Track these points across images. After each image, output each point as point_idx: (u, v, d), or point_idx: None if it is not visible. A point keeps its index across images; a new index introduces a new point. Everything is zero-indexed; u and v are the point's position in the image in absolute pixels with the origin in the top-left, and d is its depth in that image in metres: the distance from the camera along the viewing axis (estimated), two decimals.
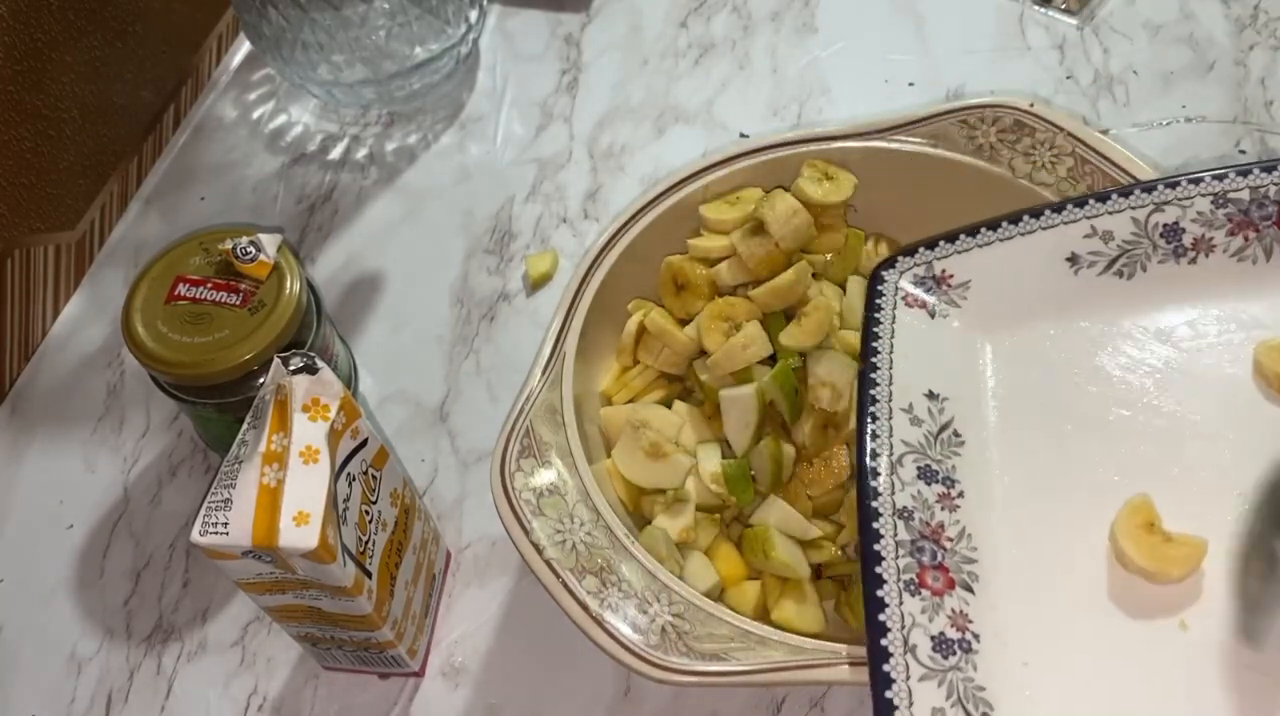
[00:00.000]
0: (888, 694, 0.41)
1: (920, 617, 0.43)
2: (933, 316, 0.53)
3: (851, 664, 0.45)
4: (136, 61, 0.76)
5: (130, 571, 0.61)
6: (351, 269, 0.72)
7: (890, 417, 0.48)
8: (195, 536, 0.43)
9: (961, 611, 0.44)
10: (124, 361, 0.69)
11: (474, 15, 0.76)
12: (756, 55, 0.80)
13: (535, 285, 0.70)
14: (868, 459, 0.47)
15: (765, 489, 0.55)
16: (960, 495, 0.47)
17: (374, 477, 0.49)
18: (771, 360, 0.56)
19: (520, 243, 0.72)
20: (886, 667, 0.42)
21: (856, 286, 0.59)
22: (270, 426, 0.44)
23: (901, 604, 0.43)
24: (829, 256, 0.59)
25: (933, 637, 0.43)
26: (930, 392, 0.50)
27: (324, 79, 0.74)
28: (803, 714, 0.53)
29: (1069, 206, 0.53)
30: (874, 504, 0.46)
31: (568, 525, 0.49)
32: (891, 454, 0.47)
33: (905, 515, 0.46)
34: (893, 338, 0.51)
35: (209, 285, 0.56)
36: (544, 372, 0.54)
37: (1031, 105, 0.59)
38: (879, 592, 0.43)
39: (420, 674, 0.56)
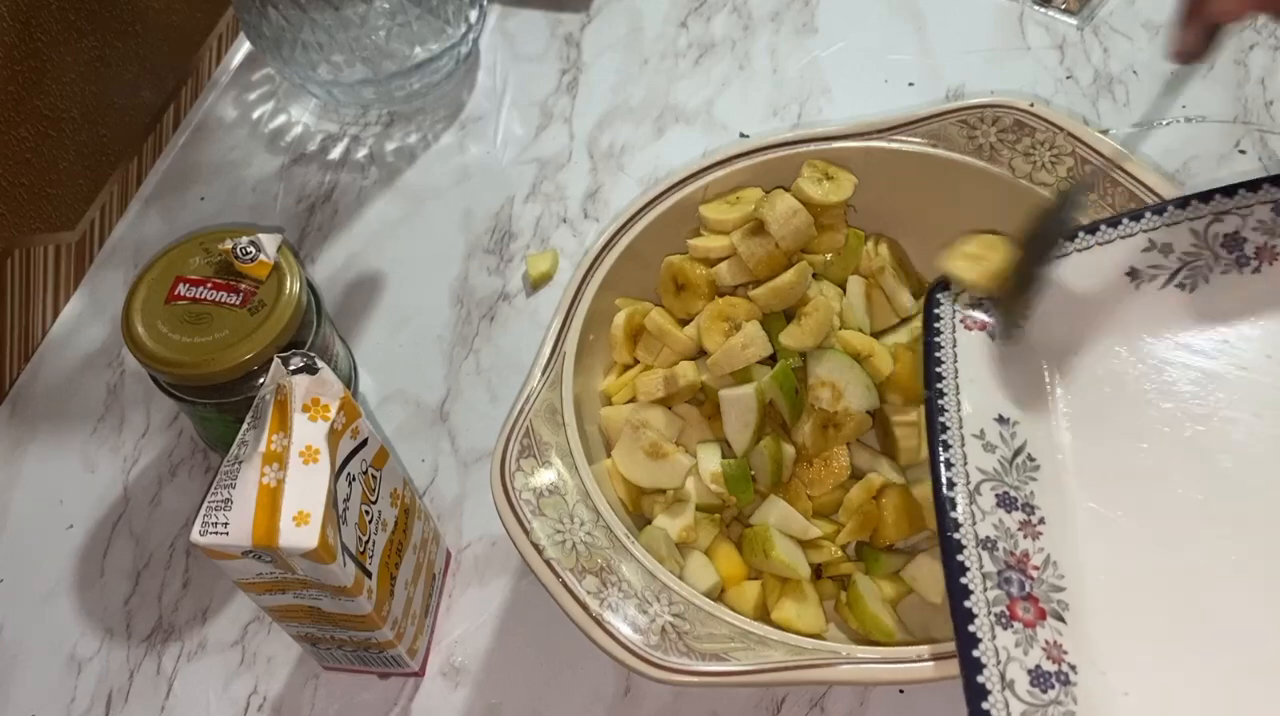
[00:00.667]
0: None
1: (1015, 651, 0.42)
2: (993, 338, 0.51)
3: (851, 663, 0.45)
4: (136, 61, 0.76)
5: (130, 571, 0.61)
6: (351, 269, 0.72)
7: (963, 445, 0.47)
8: (195, 536, 0.43)
9: (1055, 642, 0.42)
10: (124, 361, 0.69)
11: (474, 15, 0.76)
12: (756, 55, 0.80)
13: (535, 285, 0.70)
14: (945, 489, 0.45)
15: (765, 489, 0.55)
16: (1041, 521, 0.46)
17: (374, 477, 0.49)
18: (772, 360, 0.56)
19: (520, 243, 0.72)
20: (986, 705, 0.40)
21: (857, 286, 0.59)
22: (270, 426, 0.44)
23: (995, 638, 0.42)
24: (829, 256, 0.59)
25: (1029, 671, 0.41)
26: (1000, 417, 0.49)
27: (324, 79, 0.74)
28: (803, 714, 0.53)
29: (1124, 220, 0.52)
30: (956, 536, 0.44)
31: (568, 525, 0.49)
32: (968, 483, 0.46)
33: (989, 545, 0.44)
34: (956, 362, 0.50)
35: (209, 285, 0.56)
36: (544, 372, 0.54)
37: (1031, 105, 0.59)
38: (970, 628, 0.42)
39: (420, 674, 0.56)
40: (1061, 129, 0.58)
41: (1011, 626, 0.42)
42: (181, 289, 0.56)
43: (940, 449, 0.47)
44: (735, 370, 0.55)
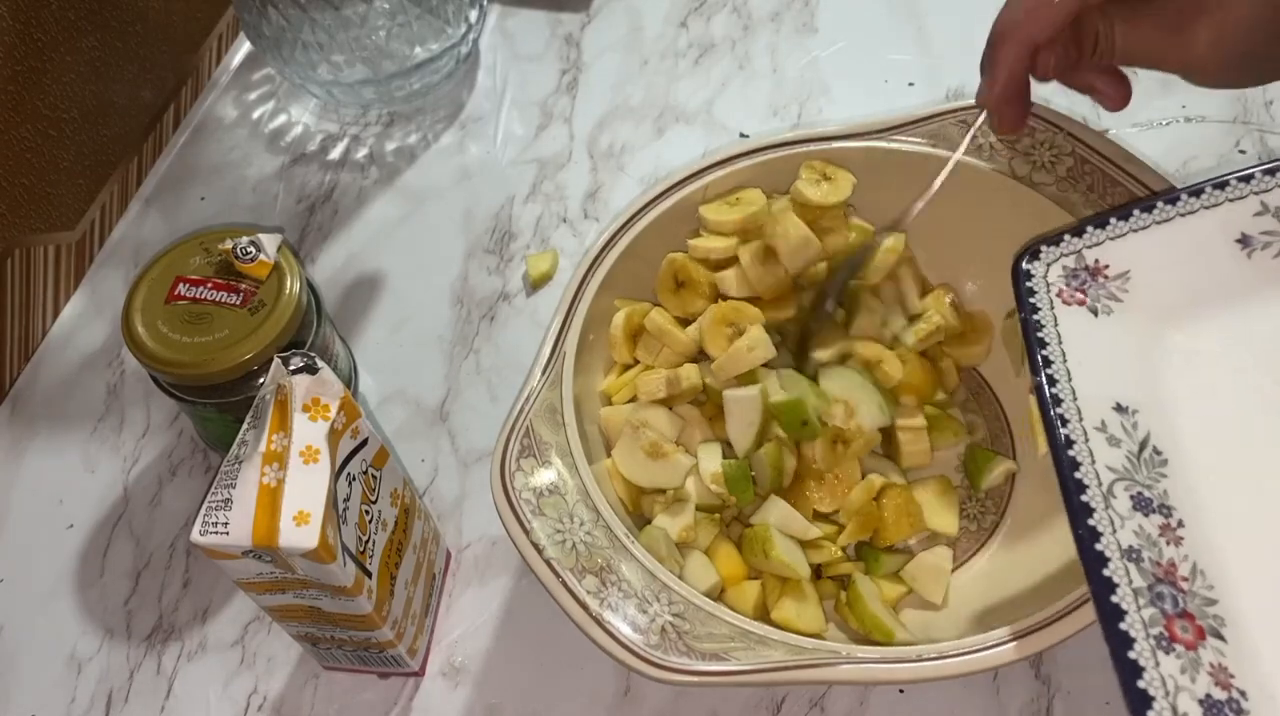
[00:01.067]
0: None
1: (1181, 679, 0.37)
2: (1095, 314, 0.46)
3: (851, 663, 0.45)
4: (136, 61, 0.76)
5: (130, 571, 0.61)
6: (351, 269, 0.72)
7: (1087, 440, 0.42)
8: (195, 536, 0.43)
9: (1220, 665, 0.38)
10: (124, 361, 0.69)
11: (474, 15, 0.76)
12: (756, 55, 0.80)
13: (535, 285, 0.70)
14: (1078, 494, 0.40)
15: (766, 490, 0.55)
16: (1180, 524, 0.41)
17: (374, 477, 0.49)
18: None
19: (520, 243, 0.72)
20: None
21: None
22: (270, 426, 0.44)
23: (1158, 665, 0.37)
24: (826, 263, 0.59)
25: (1201, 701, 0.36)
26: (1118, 405, 0.43)
27: (324, 79, 0.74)
28: (803, 714, 0.53)
29: (1233, 182, 0.47)
30: (1099, 547, 0.39)
31: (568, 525, 0.49)
32: (1100, 484, 0.41)
33: (1134, 556, 0.39)
34: (1060, 343, 0.45)
35: (209, 285, 0.56)
36: (544, 372, 0.54)
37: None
38: (1130, 655, 0.37)
39: (420, 673, 0.56)
40: (1061, 129, 0.58)
41: (1173, 650, 0.37)
42: (181, 289, 0.56)
43: (1064, 447, 0.41)
44: (739, 373, 0.55)
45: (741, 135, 0.76)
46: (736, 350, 0.55)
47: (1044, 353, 0.44)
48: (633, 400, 0.58)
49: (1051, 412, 0.43)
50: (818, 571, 0.54)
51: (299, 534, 0.43)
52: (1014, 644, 0.45)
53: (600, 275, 0.57)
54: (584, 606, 0.46)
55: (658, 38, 0.82)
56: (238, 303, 0.56)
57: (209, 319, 0.55)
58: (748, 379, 0.55)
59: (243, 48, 0.85)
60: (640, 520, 0.55)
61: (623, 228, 0.59)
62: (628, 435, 0.55)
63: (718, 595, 0.53)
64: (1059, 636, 0.45)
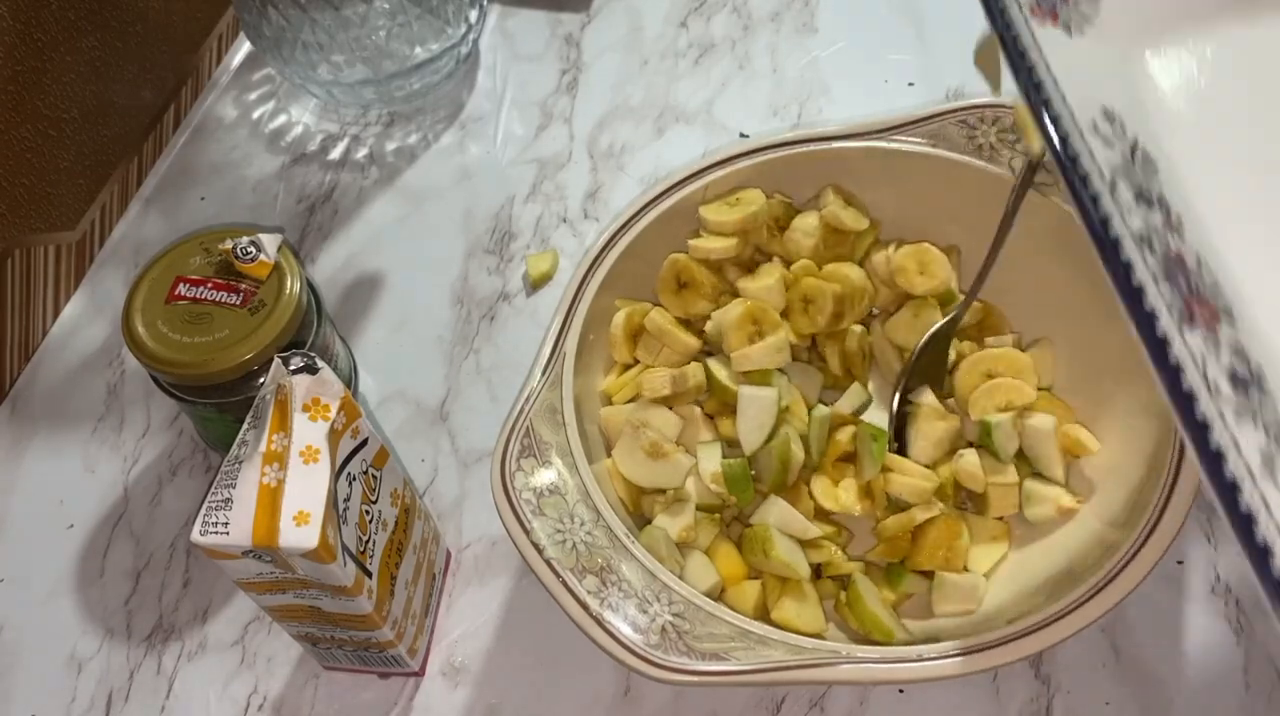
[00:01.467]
0: (1211, 441, 0.35)
1: (1207, 352, 0.37)
2: (1069, 34, 0.44)
3: (851, 663, 0.45)
4: (136, 61, 0.76)
5: (130, 571, 0.61)
6: (351, 269, 0.72)
7: (1083, 138, 0.41)
8: (195, 536, 0.43)
9: (1237, 344, 0.38)
10: (124, 361, 0.69)
11: (474, 15, 0.76)
12: (756, 55, 0.80)
13: (535, 285, 0.70)
14: (1082, 185, 0.39)
15: (768, 489, 0.55)
16: (1180, 222, 0.40)
17: (374, 477, 0.49)
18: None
19: (520, 243, 0.72)
20: (1199, 415, 0.35)
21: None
22: (270, 426, 0.44)
23: (1185, 340, 0.37)
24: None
25: (1226, 373, 0.36)
26: (1105, 110, 0.42)
27: (324, 79, 0.74)
28: (803, 714, 0.53)
29: None
30: (1113, 232, 0.39)
31: (568, 525, 0.49)
32: (1103, 177, 0.40)
33: (1144, 241, 0.39)
34: (1043, 56, 0.43)
35: (209, 285, 0.56)
36: (544, 372, 0.54)
37: None
38: (1158, 329, 0.37)
39: (420, 673, 0.56)
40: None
41: (1195, 328, 0.37)
42: (182, 289, 0.56)
43: (1063, 142, 0.40)
44: (758, 370, 0.55)
45: (741, 135, 0.76)
46: (766, 346, 0.55)
47: (1027, 64, 0.43)
48: (633, 400, 0.58)
49: (1044, 113, 0.41)
50: (818, 571, 0.54)
51: (299, 534, 0.43)
52: (1014, 644, 0.45)
53: (600, 275, 0.57)
54: (584, 606, 0.46)
55: (658, 38, 0.82)
56: (238, 303, 0.56)
57: (209, 319, 0.55)
58: (759, 379, 0.55)
59: (243, 48, 0.85)
60: (640, 520, 0.55)
61: (623, 228, 0.59)
62: (628, 435, 0.55)
63: (718, 595, 0.53)
64: (1059, 636, 0.45)
